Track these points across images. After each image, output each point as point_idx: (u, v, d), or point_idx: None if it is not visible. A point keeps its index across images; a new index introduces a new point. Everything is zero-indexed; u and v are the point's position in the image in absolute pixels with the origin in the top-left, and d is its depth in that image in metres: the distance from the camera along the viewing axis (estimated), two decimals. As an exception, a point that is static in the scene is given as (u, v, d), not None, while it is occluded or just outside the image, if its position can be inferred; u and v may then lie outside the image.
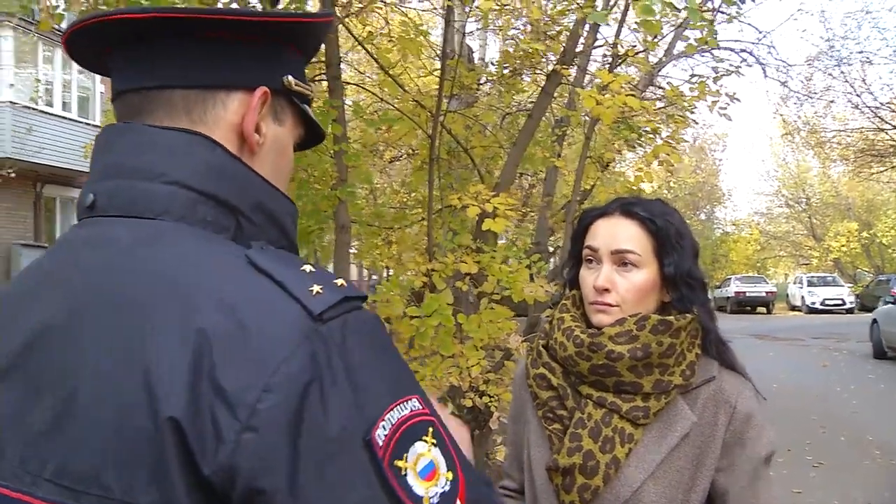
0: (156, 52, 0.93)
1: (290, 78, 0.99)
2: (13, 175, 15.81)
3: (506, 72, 6.70)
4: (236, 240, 0.90)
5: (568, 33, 5.98)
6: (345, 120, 4.83)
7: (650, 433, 1.59)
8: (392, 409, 0.79)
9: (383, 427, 0.77)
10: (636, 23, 5.23)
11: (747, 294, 32.83)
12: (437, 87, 5.34)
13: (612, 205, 1.69)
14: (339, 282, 0.85)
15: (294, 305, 0.80)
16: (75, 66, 15.77)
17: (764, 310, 33.02)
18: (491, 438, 5.38)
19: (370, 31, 5.95)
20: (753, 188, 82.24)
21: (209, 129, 0.94)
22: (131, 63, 0.95)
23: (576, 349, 1.59)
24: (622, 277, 1.61)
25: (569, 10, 5.00)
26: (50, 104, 17.63)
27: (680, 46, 8.23)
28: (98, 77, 15.40)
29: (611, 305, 1.61)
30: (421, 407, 0.82)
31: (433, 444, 0.81)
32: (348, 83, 6.14)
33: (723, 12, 6.68)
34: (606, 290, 1.61)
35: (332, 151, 4.67)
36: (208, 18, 0.92)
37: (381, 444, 0.76)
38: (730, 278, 35.26)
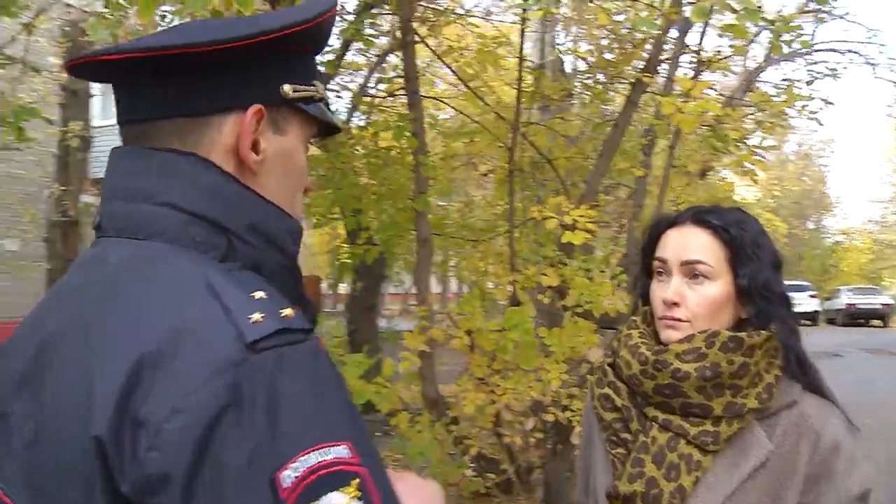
0: (143, 86, 0.96)
1: (286, 87, 0.98)
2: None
3: (589, 81, 6.63)
4: (227, 259, 0.91)
5: (653, 41, 5.85)
6: (423, 132, 4.86)
7: (721, 461, 1.45)
8: (309, 453, 0.74)
9: (294, 469, 0.73)
10: (722, 28, 5.09)
11: (859, 306, 31.21)
12: (528, 98, 5.30)
13: (684, 213, 1.58)
14: (286, 312, 0.83)
15: (231, 332, 0.79)
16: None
17: (879, 323, 31.43)
18: (573, 454, 5.30)
19: (450, 46, 5.96)
20: (866, 195, 78.68)
21: (206, 152, 0.95)
22: (126, 96, 0.98)
23: (640, 367, 1.49)
24: (693, 290, 1.51)
25: (653, 18, 4.87)
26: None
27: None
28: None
29: (680, 321, 1.50)
30: (349, 455, 0.76)
31: (356, 496, 0.75)
32: (427, 97, 6.17)
33: (823, 12, 6.44)
34: (675, 303, 1.51)
35: (411, 164, 4.71)
36: (182, 53, 0.92)
37: (285, 485, 0.72)
38: (840, 289, 33.73)
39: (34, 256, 12.91)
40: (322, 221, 6.79)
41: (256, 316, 0.80)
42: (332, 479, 0.74)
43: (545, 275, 4.77)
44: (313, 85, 1.03)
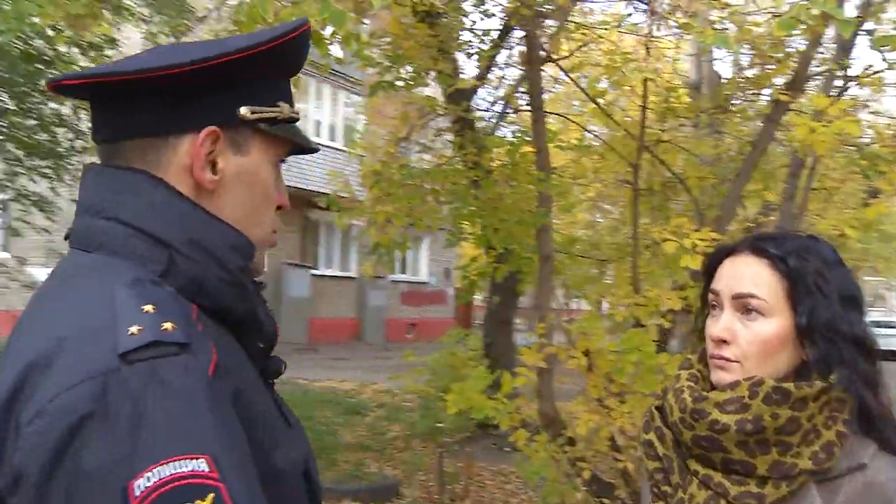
0: (110, 108, 1.02)
1: (243, 110, 1.02)
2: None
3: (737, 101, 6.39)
4: (168, 273, 0.95)
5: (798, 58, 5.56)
6: (546, 149, 4.83)
7: None
8: (165, 464, 0.75)
9: (147, 479, 0.74)
10: (876, 41, 4.77)
11: None
12: (660, 116, 5.18)
13: (743, 241, 1.44)
14: (167, 325, 0.84)
15: (109, 342, 0.82)
16: (341, 98, 16.91)
17: None
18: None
19: (579, 62, 5.90)
20: None
21: (162, 172, 1.00)
22: (97, 116, 1.05)
23: (680, 414, 1.36)
24: (745, 327, 1.35)
25: (795, 31, 4.63)
26: (318, 134, 19.11)
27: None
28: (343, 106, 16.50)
29: (729, 360, 1.36)
30: (207, 469, 0.76)
31: None
32: (551, 113, 6.12)
33: None
34: (724, 341, 1.36)
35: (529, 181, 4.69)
36: (136, 78, 0.98)
37: (137, 494, 0.73)
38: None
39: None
40: (455, 238, 6.87)
41: (134, 328, 0.83)
42: (186, 490, 0.74)
43: (668, 298, 4.62)
44: (277, 106, 1.06)
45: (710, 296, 1.43)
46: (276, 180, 1.10)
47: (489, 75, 7.61)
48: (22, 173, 10.26)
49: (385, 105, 8.82)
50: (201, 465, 0.76)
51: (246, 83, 1.04)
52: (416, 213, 6.47)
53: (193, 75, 0.98)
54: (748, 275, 1.38)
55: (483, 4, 6.39)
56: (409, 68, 5.58)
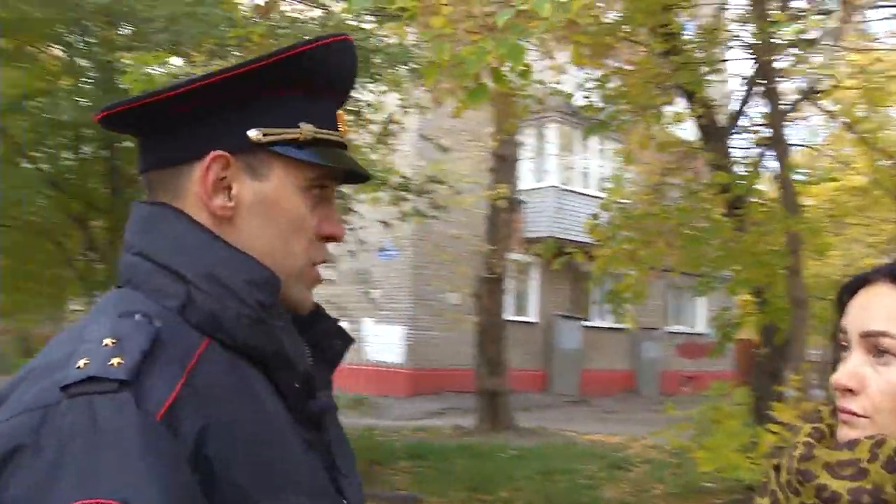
0: (139, 139, 1.04)
1: (253, 132, 0.97)
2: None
3: None
4: (186, 308, 0.93)
5: None
6: (791, 186, 4.42)
7: None
8: None
9: None
10: None
11: None
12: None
13: (881, 269, 1.17)
14: (114, 360, 0.81)
15: (60, 374, 0.80)
16: (593, 146, 16.77)
17: None
18: None
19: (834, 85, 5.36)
20: None
21: (181, 202, 0.99)
22: (137, 149, 1.06)
23: (787, 476, 1.13)
24: (876, 373, 1.08)
25: None
26: (586, 185, 19.08)
27: None
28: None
29: (857, 415, 1.09)
30: None
31: None
32: (797, 145, 5.61)
33: None
34: (850, 390, 1.10)
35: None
36: (141, 105, 0.97)
37: None
38: None
39: (467, 310, 14.15)
40: (707, 285, 6.51)
41: (83, 362, 0.81)
42: None
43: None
44: (297, 127, 0.99)
45: (839, 335, 1.16)
46: (316, 207, 1.03)
47: (743, 112, 7.18)
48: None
49: (641, 150, 8.63)
50: None
51: (256, 103, 0.99)
52: (668, 256, 6.21)
53: (198, 97, 0.96)
54: (882, 308, 1.10)
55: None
56: (625, 105, 5.40)
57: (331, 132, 1.03)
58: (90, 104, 9.21)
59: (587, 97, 5.92)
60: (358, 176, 1.09)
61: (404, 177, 9.80)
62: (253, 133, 0.97)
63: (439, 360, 16.85)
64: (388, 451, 10.44)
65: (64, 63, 9.68)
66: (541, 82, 6.03)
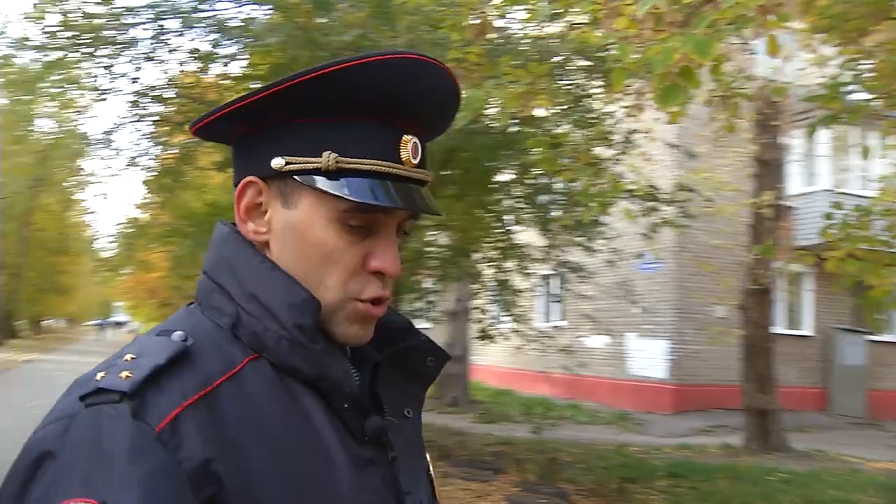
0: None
1: (276, 160, 0.96)
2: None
3: None
4: (236, 327, 0.97)
5: None
6: None
7: None
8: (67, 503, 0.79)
9: None
10: None
11: None
12: None
13: None
14: (123, 374, 0.86)
15: (87, 385, 0.87)
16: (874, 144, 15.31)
17: None
18: None
19: None
20: None
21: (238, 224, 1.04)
22: None
23: None
24: None
25: None
26: (864, 187, 17.49)
27: None
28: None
29: None
30: None
31: None
32: None
33: None
34: None
35: None
36: (198, 129, 1.04)
37: None
38: None
39: (733, 323, 13.46)
40: None
41: (100, 374, 0.87)
42: None
43: None
44: (319, 156, 0.95)
45: None
46: (363, 240, 0.99)
47: None
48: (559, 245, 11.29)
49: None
50: None
51: (280, 130, 0.97)
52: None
53: (234, 123, 1.00)
54: None
55: None
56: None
57: (368, 162, 0.95)
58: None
59: (835, 85, 5.38)
60: (419, 210, 1.01)
61: (652, 186, 9.54)
62: (276, 161, 0.96)
63: (705, 375, 16.17)
64: (647, 470, 10.14)
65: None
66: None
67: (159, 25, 11.27)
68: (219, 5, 11.08)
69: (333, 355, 0.97)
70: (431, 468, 1.18)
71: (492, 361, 20.84)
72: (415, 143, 1.00)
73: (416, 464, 1.07)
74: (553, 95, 4.32)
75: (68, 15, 10.37)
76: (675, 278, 16.23)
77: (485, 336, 12.23)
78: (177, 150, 12.82)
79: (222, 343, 0.95)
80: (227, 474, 0.85)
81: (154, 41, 11.81)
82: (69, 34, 10.31)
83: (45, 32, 10.18)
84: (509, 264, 11.83)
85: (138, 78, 12.51)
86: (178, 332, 0.93)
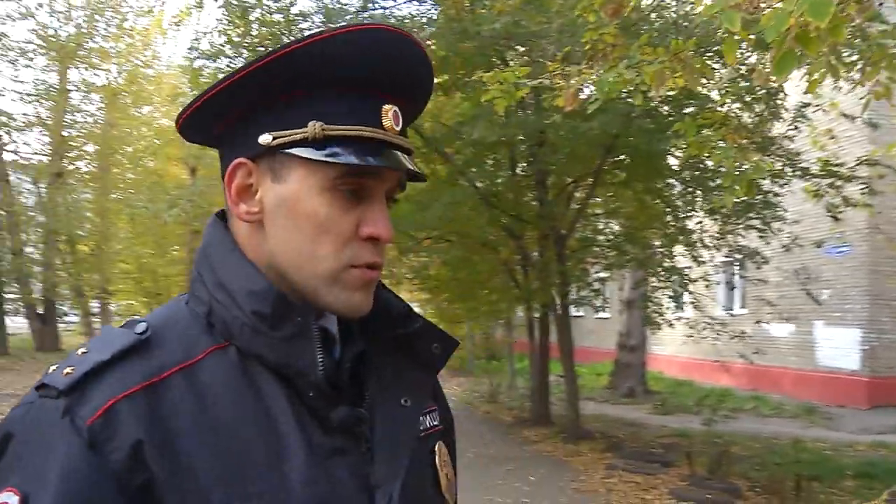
0: None
1: (263, 137, 0.97)
2: None
3: None
4: (210, 315, 0.99)
5: None
6: None
7: None
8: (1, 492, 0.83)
9: None
10: None
11: None
12: None
13: None
14: (67, 370, 0.89)
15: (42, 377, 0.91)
16: None
17: None
18: None
19: None
20: None
21: (229, 210, 1.04)
22: None
23: None
24: None
25: None
26: None
27: None
28: None
29: None
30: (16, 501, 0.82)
31: None
32: None
33: None
34: None
35: None
36: (183, 121, 1.04)
37: None
38: None
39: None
40: None
41: (52, 368, 0.91)
42: None
43: None
44: (305, 127, 0.96)
45: None
46: (354, 208, 0.99)
47: None
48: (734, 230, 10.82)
49: None
50: (13, 499, 0.83)
51: (264, 108, 0.98)
52: None
53: (217, 111, 1.00)
54: None
55: None
56: None
57: (353, 128, 0.97)
58: (518, 124, 9.92)
59: None
60: (412, 176, 1.02)
61: (827, 162, 8.90)
62: (263, 138, 0.97)
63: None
64: (833, 468, 9.50)
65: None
66: None
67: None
68: (385, 3, 11.43)
69: (299, 343, 0.96)
70: (439, 458, 1.14)
71: (671, 351, 20.26)
72: (395, 111, 1.01)
73: (398, 456, 1.03)
74: (697, 73, 4.08)
75: (252, 25, 11.03)
76: (867, 262, 15.06)
77: (652, 324, 11.93)
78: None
79: (191, 332, 0.97)
80: (157, 459, 0.86)
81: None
82: (251, 43, 10.94)
83: (229, 43, 10.83)
84: (679, 250, 11.48)
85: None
86: (142, 324, 0.95)
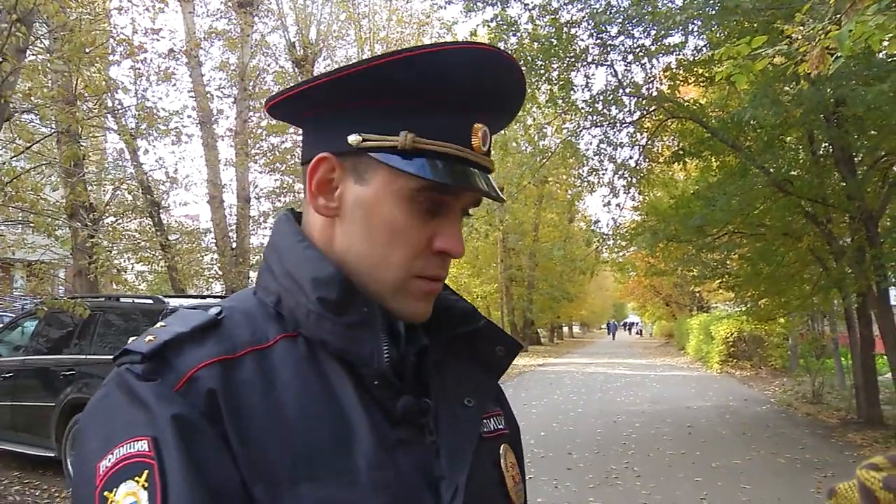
0: None
1: (352, 137, 0.98)
2: None
3: None
4: (279, 304, 1.02)
5: None
6: None
7: None
8: (121, 446, 0.85)
9: (108, 460, 0.85)
10: None
11: None
12: None
13: None
14: (149, 338, 0.93)
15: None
16: None
17: None
18: None
19: None
20: None
21: (306, 200, 1.07)
22: None
23: None
24: None
25: None
26: None
27: None
28: None
29: None
30: (146, 449, 0.84)
31: (143, 486, 0.82)
32: None
33: None
34: None
35: None
36: (273, 103, 1.06)
37: (100, 473, 0.85)
38: None
39: None
40: None
41: (132, 339, 0.96)
42: (127, 469, 0.84)
43: None
44: (397, 135, 0.97)
45: None
46: (431, 220, 1.00)
47: None
48: None
49: None
50: (141, 445, 0.85)
51: (359, 109, 0.99)
52: None
53: (310, 101, 1.02)
54: None
55: None
56: None
57: (443, 144, 0.98)
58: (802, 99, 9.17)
59: None
60: (482, 193, 1.02)
61: None
62: (353, 138, 0.98)
63: None
64: None
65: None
66: None
67: (600, 32, 11.71)
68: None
69: (363, 330, 0.98)
70: (505, 461, 1.12)
71: None
72: (485, 131, 1.02)
73: (464, 451, 1.02)
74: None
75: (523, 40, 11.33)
76: None
77: None
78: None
79: (260, 320, 1.00)
80: (231, 424, 0.90)
81: (601, 48, 12.31)
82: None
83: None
84: None
85: (591, 84, 13.13)
86: (215, 308, 1.00)
